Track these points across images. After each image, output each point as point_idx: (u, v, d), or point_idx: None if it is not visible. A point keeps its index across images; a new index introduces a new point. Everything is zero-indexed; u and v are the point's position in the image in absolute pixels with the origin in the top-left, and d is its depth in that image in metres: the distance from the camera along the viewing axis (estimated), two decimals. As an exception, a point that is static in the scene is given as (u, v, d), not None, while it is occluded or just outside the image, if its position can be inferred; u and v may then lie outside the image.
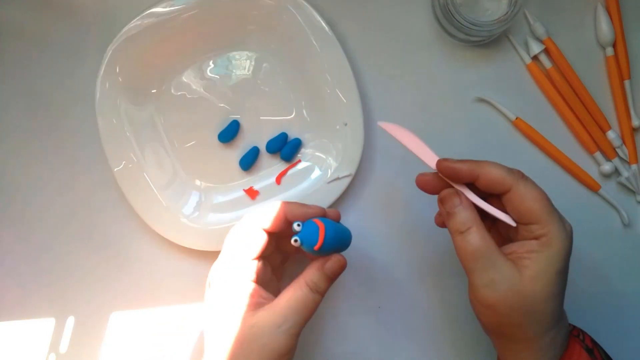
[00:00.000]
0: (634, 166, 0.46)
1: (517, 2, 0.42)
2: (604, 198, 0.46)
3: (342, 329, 0.44)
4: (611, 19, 0.46)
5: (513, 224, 0.34)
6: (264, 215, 0.36)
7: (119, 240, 0.46)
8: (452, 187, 0.35)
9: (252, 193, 0.45)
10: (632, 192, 0.46)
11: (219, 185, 0.46)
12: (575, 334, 0.36)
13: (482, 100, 0.46)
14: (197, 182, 0.46)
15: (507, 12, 0.43)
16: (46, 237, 0.46)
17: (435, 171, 0.36)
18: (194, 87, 0.46)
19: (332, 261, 0.35)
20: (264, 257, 0.38)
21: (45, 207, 0.46)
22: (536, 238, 0.33)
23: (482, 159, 0.44)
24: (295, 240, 0.34)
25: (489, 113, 0.47)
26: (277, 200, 0.38)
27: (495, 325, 0.35)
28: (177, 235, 0.44)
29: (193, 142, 0.46)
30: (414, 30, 0.47)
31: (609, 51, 0.46)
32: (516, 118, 0.46)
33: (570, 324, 0.37)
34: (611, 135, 0.46)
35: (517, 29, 0.47)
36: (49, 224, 0.46)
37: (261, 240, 0.36)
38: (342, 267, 0.36)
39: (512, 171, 0.34)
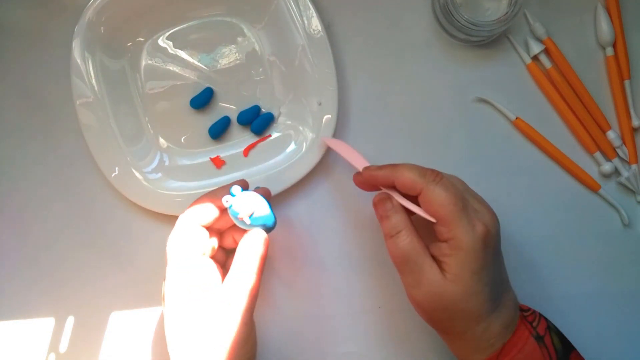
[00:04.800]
0: (634, 166, 0.46)
1: (517, 2, 0.42)
2: (604, 198, 0.46)
3: (342, 329, 0.44)
4: (611, 19, 0.46)
5: (433, 220, 0.35)
6: (198, 211, 0.37)
7: (120, 240, 0.46)
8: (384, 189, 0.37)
9: (218, 162, 0.46)
10: (632, 192, 0.46)
11: (185, 150, 0.46)
12: (529, 320, 0.36)
13: (482, 100, 0.46)
14: (163, 143, 0.46)
15: (507, 12, 0.43)
16: (46, 237, 0.46)
17: None
18: (172, 50, 0.47)
19: (251, 236, 0.36)
20: (211, 256, 0.38)
21: (44, 207, 0.46)
22: (446, 241, 0.34)
23: (483, 159, 0.44)
24: (227, 201, 0.35)
25: (489, 113, 0.47)
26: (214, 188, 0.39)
27: (427, 320, 0.37)
28: (139, 197, 0.44)
29: (164, 104, 0.47)
30: (414, 30, 0.47)
31: (609, 51, 0.46)
32: (516, 118, 0.46)
33: (529, 310, 0.37)
34: (611, 135, 0.45)
35: (517, 29, 0.47)
36: (48, 223, 0.46)
37: (202, 236, 0.37)
38: (264, 240, 0.37)
39: (424, 173, 0.35)
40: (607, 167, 0.45)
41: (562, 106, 0.46)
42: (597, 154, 0.46)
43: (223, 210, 0.37)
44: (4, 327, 0.45)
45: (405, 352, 0.44)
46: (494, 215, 0.35)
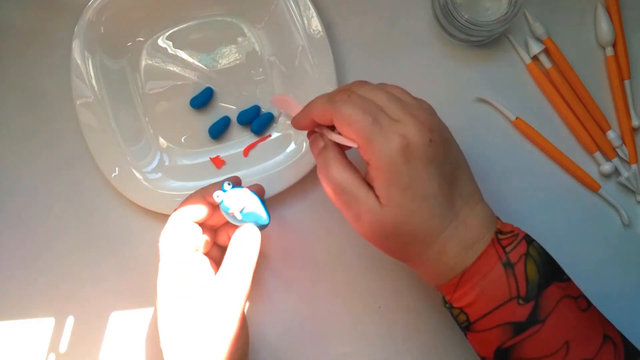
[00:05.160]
0: (634, 166, 0.46)
1: (517, 2, 0.42)
2: (604, 198, 0.46)
3: (342, 329, 0.44)
4: (611, 19, 0.46)
5: (354, 144, 0.32)
6: (189, 208, 0.37)
7: (120, 240, 0.46)
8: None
9: (218, 162, 0.46)
10: (632, 192, 0.46)
11: (185, 150, 0.46)
12: (504, 244, 0.33)
13: (482, 100, 0.46)
14: (163, 143, 0.46)
15: (507, 12, 0.43)
16: (46, 237, 0.46)
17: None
18: (172, 50, 0.47)
19: (242, 231, 0.36)
20: (205, 253, 0.38)
21: (44, 207, 0.46)
22: (368, 163, 0.32)
23: (483, 159, 0.44)
24: (217, 196, 0.35)
25: (489, 113, 0.47)
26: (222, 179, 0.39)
27: (383, 251, 0.35)
28: (139, 197, 0.44)
29: (164, 104, 0.47)
30: (414, 30, 0.47)
31: (609, 51, 0.46)
32: (516, 118, 0.46)
33: (511, 232, 0.34)
34: (611, 135, 0.46)
35: (517, 29, 0.47)
36: (48, 223, 0.46)
37: (194, 232, 0.37)
38: (256, 234, 0.36)
39: (332, 98, 0.33)
40: (607, 167, 0.45)
41: (562, 106, 0.46)
42: (597, 154, 0.46)
43: (216, 207, 0.38)
44: (4, 327, 0.45)
45: (405, 352, 0.44)
46: (421, 124, 0.31)
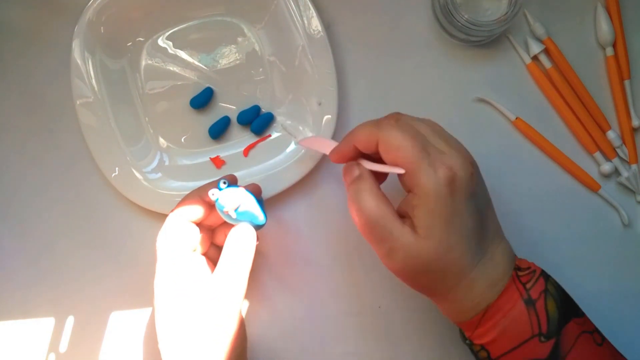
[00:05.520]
0: (634, 166, 0.46)
1: (517, 2, 0.42)
2: (604, 198, 0.46)
3: (342, 329, 0.44)
4: (611, 19, 0.46)
5: (400, 170, 0.31)
6: (186, 208, 0.37)
7: (120, 240, 0.46)
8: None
9: (218, 162, 0.46)
10: (632, 192, 0.46)
11: (185, 150, 0.46)
12: (523, 281, 0.33)
13: (482, 100, 0.46)
14: (163, 143, 0.46)
15: (507, 12, 0.43)
16: (46, 237, 0.46)
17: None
18: (172, 50, 0.47)
19: (237, 229, 0.36)
20: (203, 253, 0.38)
21: (44, 207, 0.46)
22: (410, 191, 0.31)
23: (483, 159, 0.44)
24: (213, 194, 0.35)
25: (489, 113, 0.47)
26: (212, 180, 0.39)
27: (410, 286, 0.34)
28: (139, 197, 0.44)
29: (164, 104, 0.47)
30: (414, 30, 0.47)
31: (609, 51, 0.46)
32: (516, 118, 0.46)
33: (528, 268, 0.34)
34: (611, 135, 0.46)
35: (517, 29, 0.47)
36: (48, 223, 0.46)
37: (192, 231, 0.37)
38: (250, 233, 0.36)
39: (379, 122, 0.33)
40: (607, 167, 0.45)
41: (562, 106, 0.46)
42: (597, 154, 0.46)
43: (213, 206, 0.38)
44: (4, 327, 0.45)
45: (405, 352, 0.44)
46: (464, 158, 0.32)
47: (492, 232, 0.34)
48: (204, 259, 0.38)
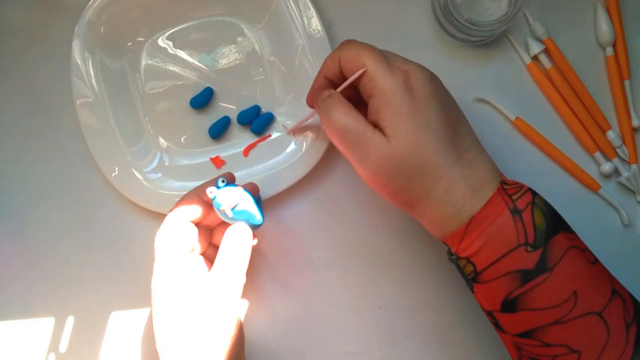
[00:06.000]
0: (634, 166, 0.46)
1: (517, 2, 0.42)
2: (604, 198, 0.46)
3: (342, 329, 0.44)
4: (611, 19, 0.46)
5: (361, 70, 0.33)
6: (185, 207, 0.37)
7: (120, 240, 0.46)
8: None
9: (218, 162, 0.46)
10: (632, 192, 0.46)
11: (185, 150, 0.46)
12: (510, 193, 0.33)
13: (482, 100, 0.46)
14: (163, 143, 0.46)
15: (507, 12, 0.43)
16: (46, 237, 0.46)
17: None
18: (172, 50, 0.47)
19: (233, 228, 0.36)
20: (201, 253, 0.38)
21: (44, 207, 0.46)
22: (371, 95, 0.33)
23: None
24: (210, 192, 0.35)
25: (489, 113, 0.47)
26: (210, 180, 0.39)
27: (389, 197, 0.34)
28: (139, 197, 0.44)
29: (164, 104, 0.47)
30: (414, 30, 0.47)
31: (609, 51, 0.46)
32: (516, 118, 0.46)
33: (515, 184, 0.34)
34: (611, 135, 0.46)
35: (517, 29, 0.47)
36: (48, 223, 0.46)
37: (190, 231, 0.37)
38: (245, 232, 0.36)
39: (338, 46, 0.35)
40: (607, 167, 0.45)
41: (562, 106, 0.46)
42: (597, 154, 0.46)
43: (211, 206, 0.38)
44: (4, 327, 0.45)
45: (405, 352, 0.44)
46: (419, 66, 0.34)
47: (468, 142, 0.34)
48: (201, 258, 0.38)
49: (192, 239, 0.37)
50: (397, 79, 0.32)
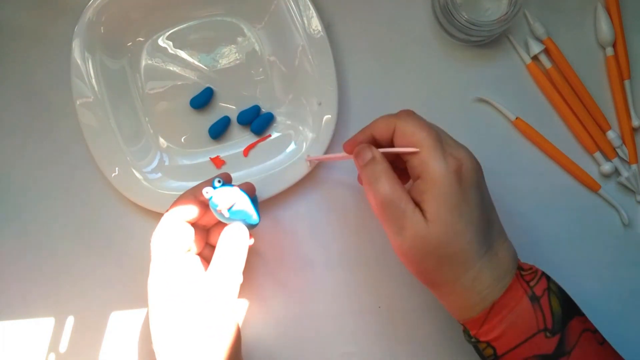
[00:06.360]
0: (634, 166, 0.46)
1: (517, 2, 0.42)
2: (604, 198, 0.46)
3: (342, 329, 0.44)
4: (611, 19, 0.46)
5: (414, 149, 0.33)
6: (181, 208, 0.37)
7: (120, 240, 0.46)
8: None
9: (218, 162, 0.46)
10: (632, 192, 0.46)
11: (185, 150, 0.46)
12: (527, 279, 0.34)
13: (482, 100, 0.46)
14: (163, 143, 0.46)
15: (507, 12, 0.43)
16: (46, 237, 0.46)
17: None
18: (172, 50, 0.47)
19: (229, 228, 0.36)
20: (198, 253, 0.38)
21: (44, 207, 0.46)
22: (419, 176, 0.33)
23: (483, 159, 0.44)
24: (207, 192, 0.35)
25: (489, 113, 0.47)
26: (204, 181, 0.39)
27: (417, 274, 0.35)
28: (139, 197, 0.44)
29: (164, 104, 0.47)
30: (414, 30, 0.47)
31: (609, 51, 0.46)
32: (516, 118, 0.46)
33: (530, 269, 0.35)
34: (611, 135, 0.46)
35: (517, 29, 0.47)
36: (48, 223, 0.46)
37: (186, 231, 0.37)
38: (241, 231, 0.36)
39: (397, 114, 0.35)
40: (607, 167, 0.45)
41: (562, 106, 0.46)
42: (597, 154, 0.46)
43: (207, 206, 0.37)
44: (4, 327, 0.45)
45: (405, 352, 0.44)
46: (470, 153, 0.34)
47: (496, 232, 0.35)
48: (198, 258, 0.38)
49: (189, 239, 0.37)
50: (449, 167, 0.32)
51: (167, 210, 0.37)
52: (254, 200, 0.38)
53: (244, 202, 0.36)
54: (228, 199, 0.35)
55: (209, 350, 0.33)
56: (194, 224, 0.38)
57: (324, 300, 0.45)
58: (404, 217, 0.33)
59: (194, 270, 0.36)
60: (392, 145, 0.35)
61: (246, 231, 0.37)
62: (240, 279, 0.36)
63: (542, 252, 0.45)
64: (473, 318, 0.34)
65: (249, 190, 0.39)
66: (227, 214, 0.35)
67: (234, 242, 0.36)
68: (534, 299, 0.33)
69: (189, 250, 0.38)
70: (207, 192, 0.35)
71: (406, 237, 0.33)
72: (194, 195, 0.37)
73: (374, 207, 0.35)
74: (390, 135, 0.35)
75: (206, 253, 0.40)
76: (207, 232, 0.41)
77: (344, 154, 0.38)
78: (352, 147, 0.37)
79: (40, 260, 0.46)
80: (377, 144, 0.36)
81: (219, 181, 0.36)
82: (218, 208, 0.35)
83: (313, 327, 0.44)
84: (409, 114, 0.35)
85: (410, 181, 0.36)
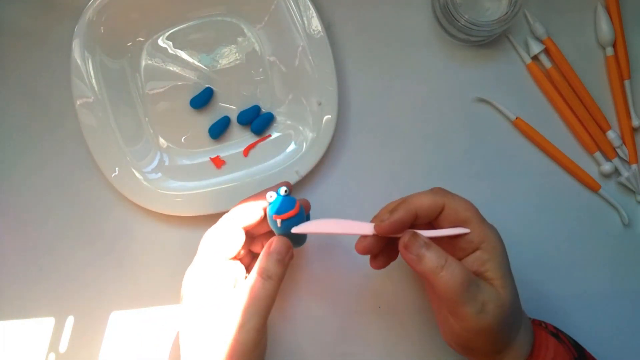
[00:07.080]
0: (634, 166, 0.46)
1: (517, 2, 0.42)
2: (604, 198, 0.46)
3: (342, 329, 0.44)
4: (611, 19, 0.46)
5: (466, 230, 0.34)
6: (243, 213, 0.36)
7: (120, 240, 0.46)
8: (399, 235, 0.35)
9: (218, 162, 0.46)
10: (632, 192, 0.46)
11: (185, 150, 0.46)
12: (537, 323, 0.37)
13: (482, 100, 0.46)
14: (163, 143, 0.46)
15: (507, 12, 0.43)
16: (46, 237, 0.46)
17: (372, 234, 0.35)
18: (172, 50, 0.47)
19: (275, 241, 0.35)
20: (239, 258, 0.38)
21: (44, 207, 0.46)
22: (478, 248, 0.34)
23: (483, 159, 0.44)
24: (271, 196, 0.34)
25: (489, 113, 0.47)
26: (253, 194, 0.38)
27: (488, 347, 0.34)
28: (139, 197, 0.44)
29: (164, 104, 0.47)
30: (414, 30, 0.47)
31: (609, 51, 0.46)
32: (516, 118, 0.46)
33: (534, 319, 0.38)
34: (611, 135, 0.46)
35: (517, 29, 0.47)
36: (48, 223, 0.46)
37: (240, 239, 0.36)
38: (288, 246, 0.35)
39: (434, 191, 0.35)
40: (607, 167, 0.45)
41: (562, 106, 0.46)
42: (597, 154, 0.46)
43: (264, 216, 0.37)
44: (4, 327, 0.45)
45: (405, 352, 0.44)
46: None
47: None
48: (241, 266, 0.37)
49: (239, 246, 0.36)
50: (497, 233, 0.34)
51: (227, 212, 0.36)
52: (307, 218, 0.37)
53: (300, 218, 0.35)
54: (288, 210, 0.34)
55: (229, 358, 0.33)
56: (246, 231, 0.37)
57: (324, 300, 0.45)
58: (481, 293, 0.32)
59: (234, 278, 0.36)
60: (430, 222, 0.36)
61: (291, 248, 0.36)
62: (277, 293, 0.35)
63: (542, 252, 0.45)
64: None
65: (306, 207, 0.38)
66: (279, 224, 0.35)
67: (277, 256, 0.35)
68: (555, 335, 0.35)
69: (234, 257, 0.37)
70: (270, 197, 0.34)
71: (489, 312, 0.32)
72: (256, 202, 0.36)
73: (447, 292, 0.32)
74: (436, 214, 0.35)
75: (246, 260, 0.39)
76: (251, 240, 0.39)
77: (366, 228, 0.35)
78: (393, 228, 0.34)
79: (39, 260, 0.46)
80: (414, 222, 0.35)
81: (286, 190, 0.35)
82: (274, 215, 0.35)
83: (312, 327, 0.44)
84: (446, 192, 0.35)
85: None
